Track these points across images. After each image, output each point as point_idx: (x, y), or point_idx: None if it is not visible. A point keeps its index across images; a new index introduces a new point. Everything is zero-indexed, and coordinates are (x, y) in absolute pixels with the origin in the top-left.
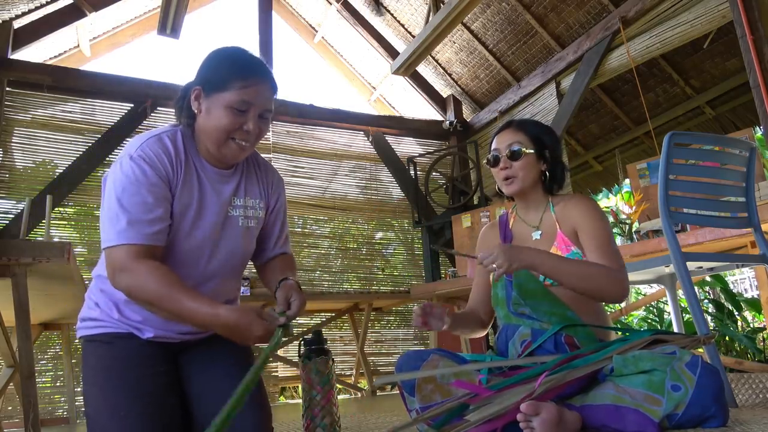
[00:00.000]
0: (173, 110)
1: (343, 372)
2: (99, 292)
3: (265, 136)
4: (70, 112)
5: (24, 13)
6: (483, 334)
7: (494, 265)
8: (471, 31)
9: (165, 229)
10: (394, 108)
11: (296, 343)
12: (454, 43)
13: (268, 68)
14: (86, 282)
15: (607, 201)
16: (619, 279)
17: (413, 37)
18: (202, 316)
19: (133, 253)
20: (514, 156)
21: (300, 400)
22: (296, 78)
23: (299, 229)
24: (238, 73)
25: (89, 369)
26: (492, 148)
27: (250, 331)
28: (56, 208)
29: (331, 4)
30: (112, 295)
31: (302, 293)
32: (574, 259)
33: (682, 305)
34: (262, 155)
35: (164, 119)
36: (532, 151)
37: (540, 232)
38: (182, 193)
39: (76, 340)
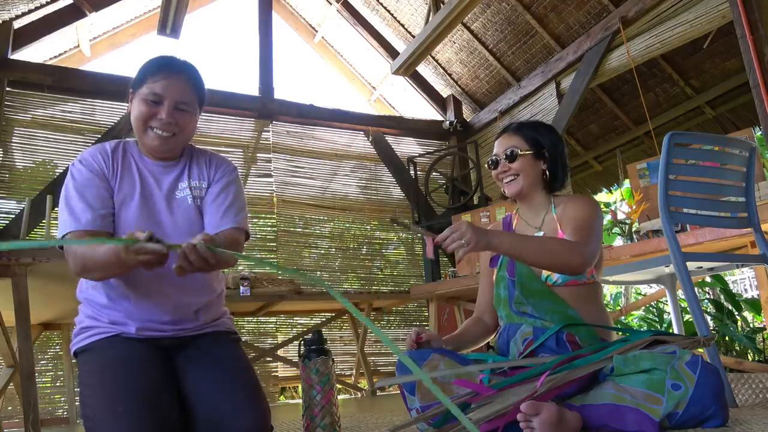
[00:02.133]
0: None
1: (343, 372)
2: (85, 305)
3: (265, 136)
4: (70, 112)
5: (24, 13)
6: (490, 339)
7: (463, 241)
8: (471, 31)
9: (100, 216)
10: (394, 108)
11: (296, 343)
12: (454, 43)
13: (185, 65)
14: None
15: (607, 197)
16: (579, 251)
17: (413, 37)
18: (104, 253)
19: (78, 237)
20: (511, 158)
21: (300, 400)
22: (296, 78)
23: (299, 229)
24: (151, 70)
25: (85, 373)
26: (492, 154)
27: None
28: (56, 208)
29: (331, 4)
30: (96, 304)
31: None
32: (533, 236)
33: (682, 305)
34: (263, 155)
35: None
36: (529, 151)
37: (543, 232)
38: (122, 184)
39: None
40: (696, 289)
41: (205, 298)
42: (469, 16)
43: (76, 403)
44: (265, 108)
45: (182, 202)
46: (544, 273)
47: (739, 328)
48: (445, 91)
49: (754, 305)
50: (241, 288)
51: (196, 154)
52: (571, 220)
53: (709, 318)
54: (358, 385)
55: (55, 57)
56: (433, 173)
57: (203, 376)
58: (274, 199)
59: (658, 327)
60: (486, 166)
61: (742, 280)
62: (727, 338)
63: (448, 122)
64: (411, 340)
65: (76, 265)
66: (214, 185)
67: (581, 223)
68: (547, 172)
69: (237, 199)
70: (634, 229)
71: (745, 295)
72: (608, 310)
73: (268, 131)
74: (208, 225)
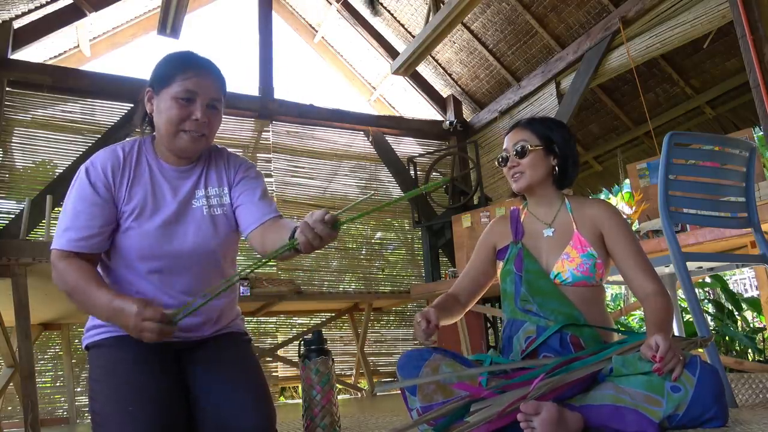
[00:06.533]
0: None
1: (343, 372)
2: None
3: (265, 136)
4: (70, 112)
5: (24, 13)
6: (461, 315)
7: (673, 365)
8: (471, 31)
9: (84, 237)
10: (394, 108)
11: (296, 343)
12: (454, 43)
13: (212, 63)
14: None
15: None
16: (668, 297)
17: (413, 37)
18: (103, 302)
19: (60, 255)
20: (520, 153)
21: (300, 400)
22: (296, 78)
23: None
24: (179, 67)
25: (97, 368)
26: (503, 149)
27: (133, 320)
28: (56, 208)
29: (331, 4)
30: None
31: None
32: (665, 315)
33: (682, 305)
34: (263, 155)
35: None
36: (539, 146)
37: (553, 229)
38: (132, 191)
39: (77, 341)
40: (696, 289)
41: (225, 302)
42: (469, 16)
43: (76, 403)
44: (265, 108)
45: (197, 212)
46: (554, 270)
47: (739, 328)
48: (445, 91)
49: (754, 305)
50: (241, 288)
51: (215, 156)
52: (621, 247)
53: (709, 318)
54: (358, 385)
55: (55, 57)
56: (433, 173)
57: (212, 376)
58: (274, 199)
59: None
60: (496, 163)
61: (742, 280)
62: (727, 338)
63: (448, 122)
64: (425, 330)
65: (57, 282)
66: (240, 184)
67: (642, 259)
68: (557, 168)
69: (266, 190)
70: (634, 229)
71: (745, 295)
72: (609, 310)
73: (268, 131)
74: (249, 219)
